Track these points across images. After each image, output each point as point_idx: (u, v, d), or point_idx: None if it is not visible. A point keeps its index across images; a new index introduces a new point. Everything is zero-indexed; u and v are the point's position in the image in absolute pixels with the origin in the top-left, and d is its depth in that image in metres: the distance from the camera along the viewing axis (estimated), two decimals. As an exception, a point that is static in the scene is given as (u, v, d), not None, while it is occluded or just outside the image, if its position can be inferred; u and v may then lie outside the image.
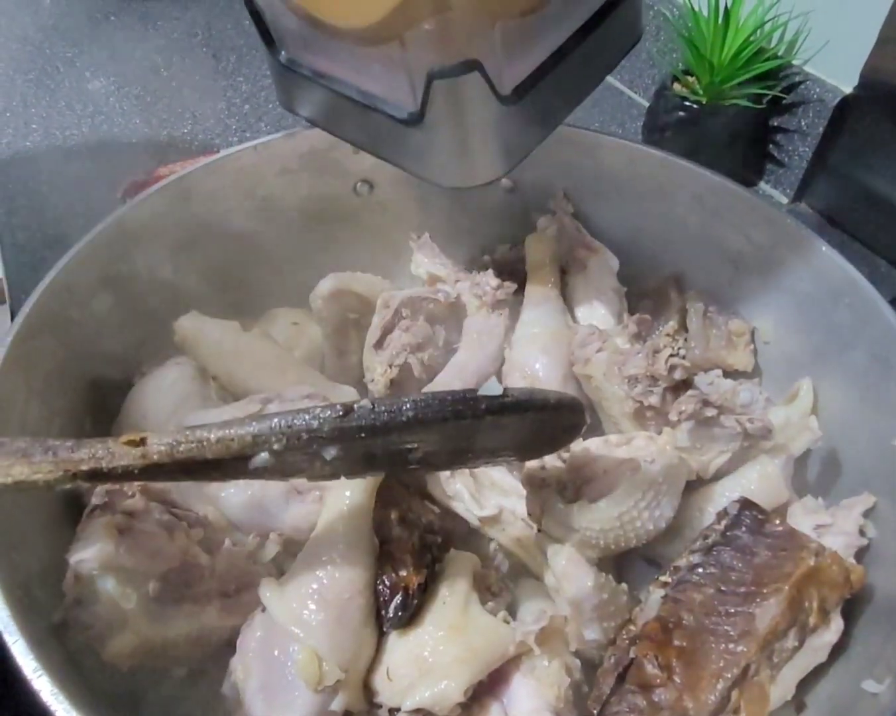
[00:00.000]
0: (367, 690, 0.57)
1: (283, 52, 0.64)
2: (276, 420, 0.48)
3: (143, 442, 0.47)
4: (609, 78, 1.35)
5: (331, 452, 0.49)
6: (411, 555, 0.59)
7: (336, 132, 0.69)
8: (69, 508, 0.62)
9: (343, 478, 0.55)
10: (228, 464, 0.48)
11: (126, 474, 0.48)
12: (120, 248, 0.71)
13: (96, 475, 0.47)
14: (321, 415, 0.48)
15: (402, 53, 0.53)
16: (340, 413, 0.48)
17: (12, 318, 0.81)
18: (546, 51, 0.59)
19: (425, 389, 0.75)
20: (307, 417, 0.48)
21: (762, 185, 1.11)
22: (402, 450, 0.51)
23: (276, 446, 0.48)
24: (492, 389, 0.50)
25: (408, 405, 0.49)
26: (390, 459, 0.53)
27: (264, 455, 0.48)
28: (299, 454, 0.49)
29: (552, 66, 0.59)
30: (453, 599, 0.58)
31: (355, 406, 0.49)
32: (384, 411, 0.49)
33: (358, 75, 0.60)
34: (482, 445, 0.54)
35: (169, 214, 0.74)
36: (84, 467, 0.46)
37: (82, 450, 0.47)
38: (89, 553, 0.53)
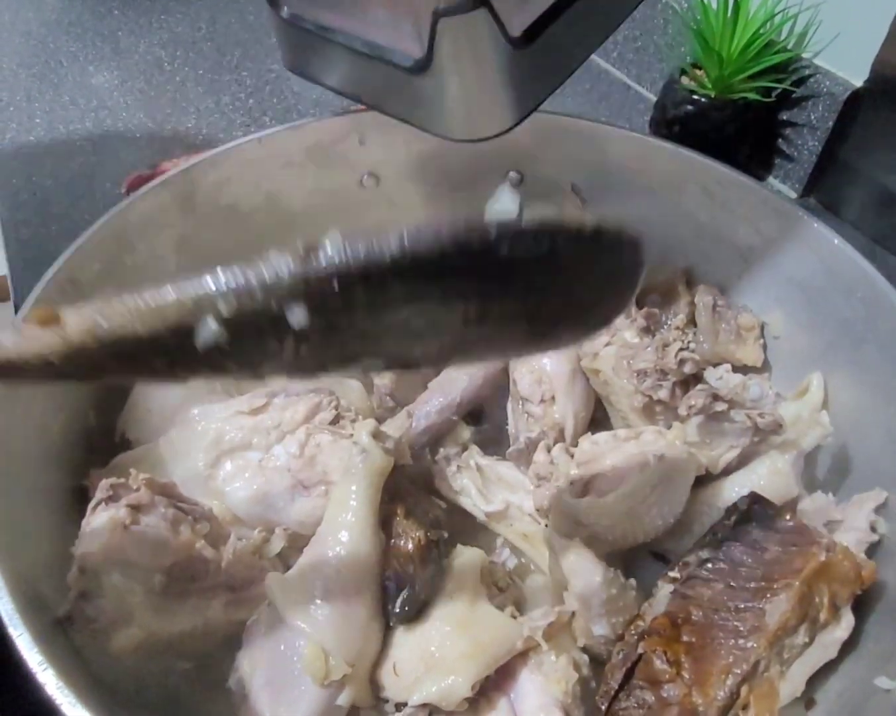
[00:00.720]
0: (374, 684, 0.57)
1: (285, 8, 0.63)
2: (221, 275, 0.37)
3: (57, 319, 0.38)
4: (616, 72, 1.34)
5: (297, 315, 0.37)
6: (418, 550, 0.59)
7: (340, 89, 0.66)
8: (74, 502, 0.62)
9: (321, 375, 0.43)
10: (169, 343, 0.38)
11: (42, 362, 0.37)
12: (124, 241, 0.70)
13: (8, 368, 0.38)
14: (278, 261, 0.36)
15: None
16: (301, 253, 0.36)
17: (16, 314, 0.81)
18: None
19: (431, 385, 0.74)
20: (262, 266, 0.36)
21: (771, 179, 1.10)
22: (397, 321, 0.39)
23: (223, 309, 0.36)
24: (504, 209, 0.42)
25: (393, 237, 0.36)
26: (382, 336, 0.40)
27: (211, 325, 0.37)
28: (257, 322, 0.37)
29: (565, 7, 0.56)
30: (460, 594, 0.58)
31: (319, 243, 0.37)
32: (359, 245, 0.36)
33: (362, 25, 0.58)
34: (501, 305, 0.40)
35: (173, 207, 0.74)
36: None
37: None
38: (94, 546, 0.53)
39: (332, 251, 0.36)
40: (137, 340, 0.37)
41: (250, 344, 0.38)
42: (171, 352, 0.38)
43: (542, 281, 0.40)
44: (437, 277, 0.37)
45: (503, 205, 0.82)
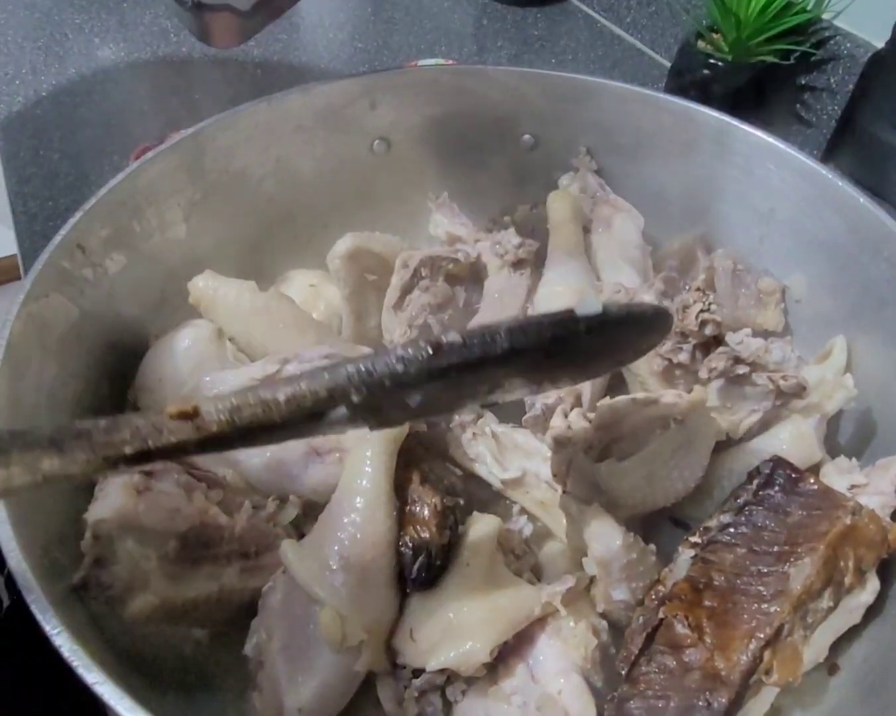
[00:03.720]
0: (390, 651, 0.56)
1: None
2: (353, 369, 0.41)
3: (195, 413, 0.40)
4: (629, 37, 1.32)
5: (416, 399, 0.43)
6: (434, 516, 0.58)
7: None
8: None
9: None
10: (300, 424, 0.42)
11: (178, 450, 0.41)
12: (132, 206, 0.69)
13: (141, 457, 0.40)
14: (406, 357, 0.41)
15: None
16: (429, 352, 0.41)
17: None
18: None
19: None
20: (391, 360, 0.41)
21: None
22: (492, 385, 0.46)
23: (355, 398, 0.41)
24: (589, 306, 0.45)
25: (502, 335, 0.42)
26: (477, 395, 0.47)
27: (342, 410, 0.42)
28: (380, 403, 0.43)
29: None
30: (477, 560, 0.57)
31: (444, 341, 0.42)
32: (476, 344, 0.42)
33: None
34: (569, 369, 0.49)
35: (182, 171, 0.73)
36: (127, 451, 0.39)
37: (122, 431, 0.40)
38: (108, 512, 0.52)
39: (453, 345, 0.42)
40: (271, 426, 0.41)
41: (370, 416, 0.44)
42: (298, 430, 0.43)
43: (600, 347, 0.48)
44: (534, 364, 0.45)
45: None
